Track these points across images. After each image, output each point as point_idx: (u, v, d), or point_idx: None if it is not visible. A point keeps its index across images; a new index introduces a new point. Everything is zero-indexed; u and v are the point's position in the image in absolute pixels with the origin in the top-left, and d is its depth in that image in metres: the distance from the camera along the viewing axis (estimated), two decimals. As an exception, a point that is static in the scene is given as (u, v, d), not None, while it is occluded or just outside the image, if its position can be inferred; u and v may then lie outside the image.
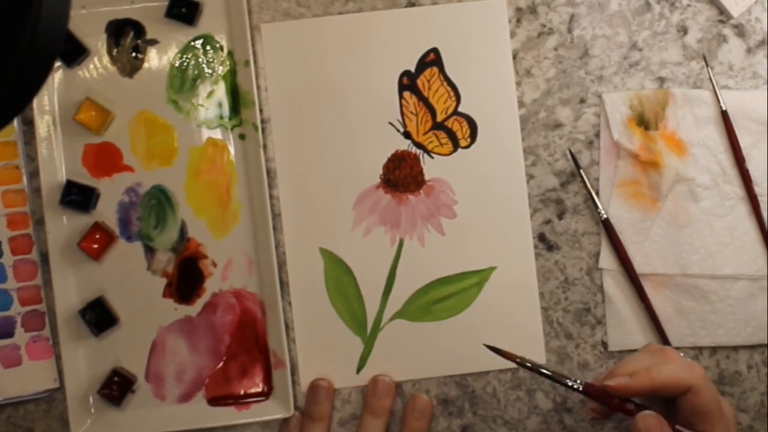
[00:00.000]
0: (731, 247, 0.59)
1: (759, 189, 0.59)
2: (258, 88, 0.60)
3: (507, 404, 0.60)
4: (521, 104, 0.60)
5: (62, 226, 0.59)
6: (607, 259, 0.59)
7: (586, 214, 0.60)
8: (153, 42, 0.60)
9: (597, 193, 0.59)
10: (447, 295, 0.59)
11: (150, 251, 0.59)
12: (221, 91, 0.60)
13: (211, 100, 0.60)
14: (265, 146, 0.60)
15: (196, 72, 0.60)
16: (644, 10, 0.60)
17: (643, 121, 0.59)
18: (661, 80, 0.60)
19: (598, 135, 0.60)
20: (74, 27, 0.59)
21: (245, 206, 0.59)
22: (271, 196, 0.59)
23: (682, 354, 0.51)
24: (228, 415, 0.59)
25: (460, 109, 0.60)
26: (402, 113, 0.60)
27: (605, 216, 0.59)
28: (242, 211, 0.59)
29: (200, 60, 0.60)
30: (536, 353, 0.59)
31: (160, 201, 0.60)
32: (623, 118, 0.59)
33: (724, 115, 0.59)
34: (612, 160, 0.60)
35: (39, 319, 0.59)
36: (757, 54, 0.60)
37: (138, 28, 0.60)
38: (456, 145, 0.60)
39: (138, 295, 0.59)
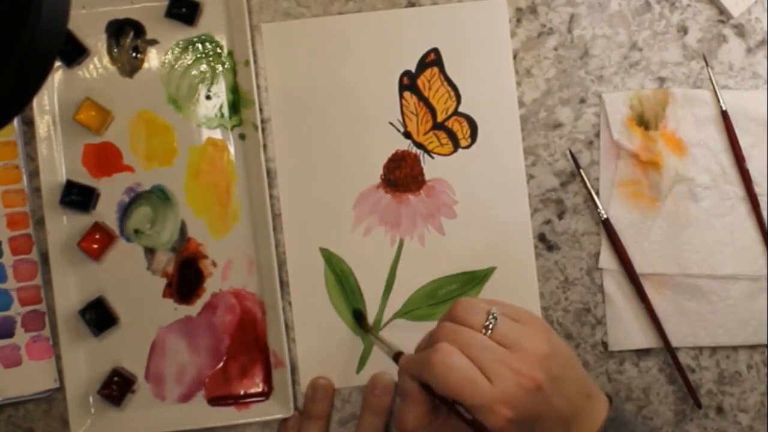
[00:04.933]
0: (731, 247, 0.59)
1: (759, 189, 0.59)
2: (258, 88, 0.60)
3: (507, 404, 0.60)
4: (521, 104, 0.60)
5: (62, 226, 0.59)
6: (607, 259, 0.59)
7: (586, 214, 0.60)
8: (153, 42, 0.60)
9: (597, 193, 0.59)
10: (447, 295, 0.59)
11: (150, 251, 0.59)
12: (221, 91, 0.60)
13: (211, 100, 0.60)
14: (265, 146, 0.60)
15: (195, 72, 0.60)
16: (644, 10, 0.60)
17: (643, 121, 0.59)
18: (661, 80, 0.60)
19: (598, 135, 0.60)
20: (74, 27, 0.59)
21: (245, 206, 0.59)
22: (271, 196, 0.59)
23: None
24: (228, 415, 0.59)
25: (461, 109, 0.60)
26: (402, 113, 0.60)
27: (605, 216, 0.59)
28: (242, 211, 0.59)
29: (200, 60, 0.60)
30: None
31: (160, 201, 0.60)
32: (623, 118, 0.59)
33: (724, 115, 0.59)
34: (612, 160, 0.60)
35: (39, 319, 0.59)
36: (757, 54, 0.60)
37: (138, 28, 0.60)
38: (456, 145, 0.60)
39: (138, 295, 0.59)
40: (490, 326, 0.47)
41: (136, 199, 0.59)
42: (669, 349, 0.59)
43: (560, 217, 0.60)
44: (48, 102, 0.59)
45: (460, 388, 0.45)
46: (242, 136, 0.60)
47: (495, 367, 0.46)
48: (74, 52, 0.59)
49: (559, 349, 0.48)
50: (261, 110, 0.60)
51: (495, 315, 0.47)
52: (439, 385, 0.46)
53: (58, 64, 0.59)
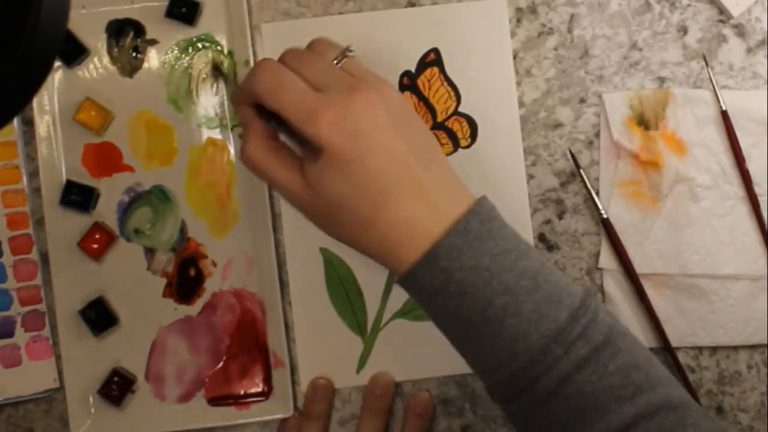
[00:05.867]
0: (731, 247, 0.59)
1: (759, 189, 0.59)
2: (258, 88, 0.59)
3: (507, 404, 0.60)
4: (521, 104, 0.60)
5: (62, 226, 0.59)
6: (607, 259, 0.59)
7: (586, 214, 0.60)
8: (153, 42, 0.60)
9: (597, 193, 0.59)
10: (447, 295, 0.59)
11: (150, 251, 0.59)
12: (221, 91, 0.60)
13: (211, 100, 0.60)
14: (265, 146, 0.59)
15: (195, 72, 0.60)
16: (644, 10, 0.60)
17: (643, 121, 0.59)
18: (661, 80, 0.60)
19: (598, 135, 0.60)
20: (74, 27, 0.59)
21: (245, 206, 0.59)
22: (271, 196, 0.59)
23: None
24: (228, 415, 0.59)
25: (461, 109, 0.60)
26: (402, 113, 0.60)
27: (605, 216, 0.59)
28: (242, 211, 0.59)
29: (200, 60, 0.60)
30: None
31: (160, 201, 0.60)
32: (623, 118, 0.59)
33: (725, 115, 0.59)
34: (612, 160, 0.60)
35: (39, 319, 0.59)
36: (758, 54, 0.60)
37: (138, 28, 0.60)
38: (456, 145, 0.60)
39: (138, 295, 0.59)
40: (341, 60, 0.46)
41: (136, 199, 0.59)
42: (669, 349, 0.59)
43: (560, 217, 0.60)
44: (48, 102, 0.59)
45: (278, 90, 0.43)
46: (242, 137, 0.59)
47: (328, 79, 0.44)
48: (74, 52, 0.59)
49: (409, 109, 0.46)
50: (261, 110, 0.60)
51: (352, 51, 0.46)
52: (257, 89, 0.44)
53: (58, 64, 0.59)
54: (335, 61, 0.46)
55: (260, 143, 0.47)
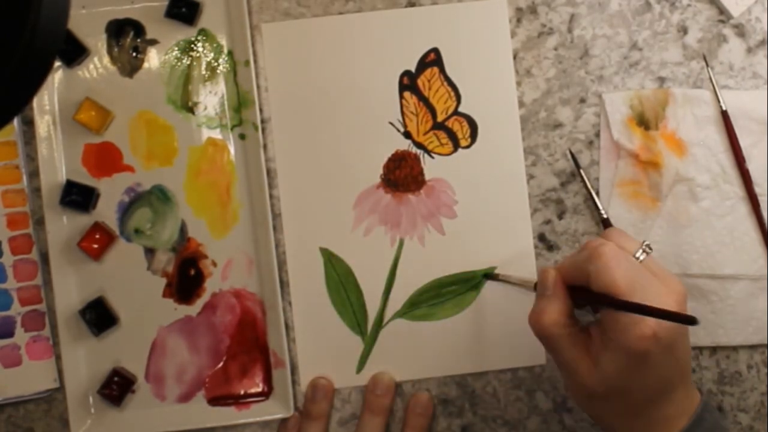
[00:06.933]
0: (731, 247, 0.59)
1: (759, 189, 0.59)
2: (258, 87, 0.60)
3: (507, 404, 0.60)
4: (521, 104, 0.60)
5: (62, 226, 0.59)
6: (607, 259, 0.59)
7: (586, 214, 0.60)
8: (153, 42, 0.60)
9: (597, 193, 0.59)
10: (447, 295, 0.59)
11: (150, 251, 0.59)
12: (221, 91, 0.60)
13: (211, 100, 0.60)
14: (265, 146, 0.60)
15: (195, 72, 0.60)
16: (644, 10, 0.60)
17: (644, 121, 0.59)
18: (662, 80, 0.60)
19: (598, 135, 0.60)
20: (74, 27, 0.59)
21: (245, 206, 0.59)
22: (271, 196, 0.59)
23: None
24: (228, 415, 0.59)
25: (461, 109, 0.60)
26: (402, 113, 0.60)
27: (605, 216, 0.59)
28: (242, 211, 0.59)
29: (200, 60, 0.60)
30: (536, 353, 0.59)
31: (160, 201, 0.60)
32: (623, 117, 0.59)
33: (725, 115, 0.59)
34: (612, 160, 0.60)
35: (39, 319, 0.59)
36: (757, 54, 0.60)
37: (138, 28, 0.60)
38: (456, 145, 0.60)
39: (138, 295, 0.59)
40: (642, 255, 0.48)
41: (136, 199, 0.59)
42: (669, 349, 0.59)
43: (560, 217, 0.60)
44: (48, 102, 0.59)
45: (623, 284, 0.44)
46: (242, 136, 0.60)
47: (641, 280, 0.45)
48: (74, 52, 0.59)
49: None
50: (261, 110, 0.60)
51: (650, 246, 0.48)
52: (605, 275, 0.45)
53: (58, 64, 0.59)
54: (637, 256, 0.48)
55: (559, 315, 0.48)
